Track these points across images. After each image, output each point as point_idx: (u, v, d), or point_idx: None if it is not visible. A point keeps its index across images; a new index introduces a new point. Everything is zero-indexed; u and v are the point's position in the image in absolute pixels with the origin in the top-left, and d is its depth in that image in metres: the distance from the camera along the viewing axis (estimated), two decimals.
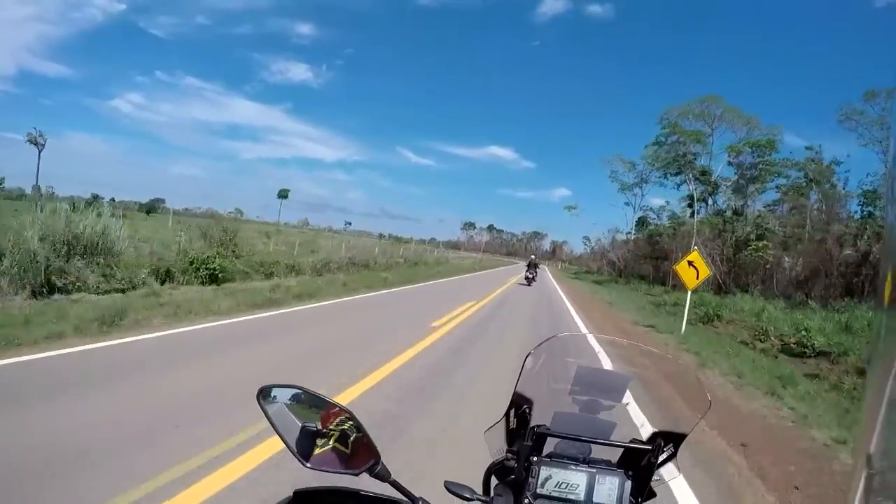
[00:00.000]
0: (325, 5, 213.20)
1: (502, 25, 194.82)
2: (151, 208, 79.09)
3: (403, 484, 0.80)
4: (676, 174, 33.87)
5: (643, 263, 37.62)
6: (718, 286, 24.59)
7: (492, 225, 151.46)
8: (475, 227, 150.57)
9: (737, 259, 25.32)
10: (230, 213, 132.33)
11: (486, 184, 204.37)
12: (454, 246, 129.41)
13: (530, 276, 22.58)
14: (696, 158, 32.22)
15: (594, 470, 0.84)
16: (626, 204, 44.52)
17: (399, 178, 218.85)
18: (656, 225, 37.86)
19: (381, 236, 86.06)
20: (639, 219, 43.92)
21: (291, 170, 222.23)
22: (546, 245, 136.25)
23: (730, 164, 31.16)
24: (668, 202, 42.91)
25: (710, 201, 31.96)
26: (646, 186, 42.09)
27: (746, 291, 21.25)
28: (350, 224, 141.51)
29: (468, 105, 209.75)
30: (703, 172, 31.90)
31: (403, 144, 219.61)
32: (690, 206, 33.11)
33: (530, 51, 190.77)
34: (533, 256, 26.42)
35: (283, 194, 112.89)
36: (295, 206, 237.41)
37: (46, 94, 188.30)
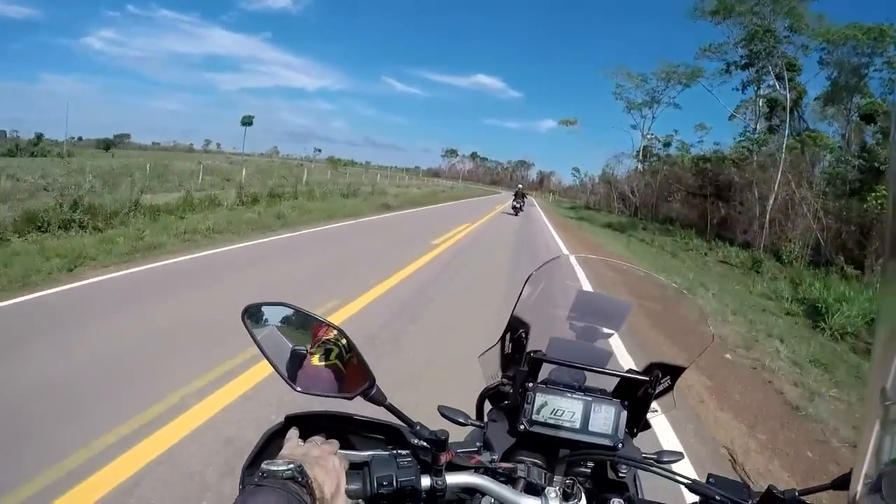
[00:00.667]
0: None
1: None
2: (110, 144, 76.54)
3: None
4: (746, 66, 22.45)
5: (672, 201, 28.42)
6: (814, 255, 15.78)
7: (475, 153, 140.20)
8: (457, 155, 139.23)
9: (845, 212, 16.18)
10: (200, 146, 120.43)
11: (472, 113, 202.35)
12: (434, 174, 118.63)
13: (517, 205, 22.28)
14: (779, 44, 20.28)
15: (590, 398, 0.82)
16: (633, 127, 36.44)
17: (384, 107, 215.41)
18: (715, 151, 27.29)
19: (338, 162, 74.58)
20: (643, 148, 35.04)
21: (272, 100, 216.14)
22: (533, 175, 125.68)
23: (823, 63, 20.64)
24: (676, 131, 36.54)
25: (789, 119, 21.20)
26: (657, 108, 34.00)
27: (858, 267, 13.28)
28: (320, 151, 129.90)
29: (456, 32, 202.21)
30: (791, 66, 20.48)
31: (388, 72, 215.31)
32: (769, 119, 22.94)
33: None
34: (520, 185, 26.12)
35: (246, 121, 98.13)
36: (278, 136, 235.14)
37: (14, 37, 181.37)
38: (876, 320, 0.40)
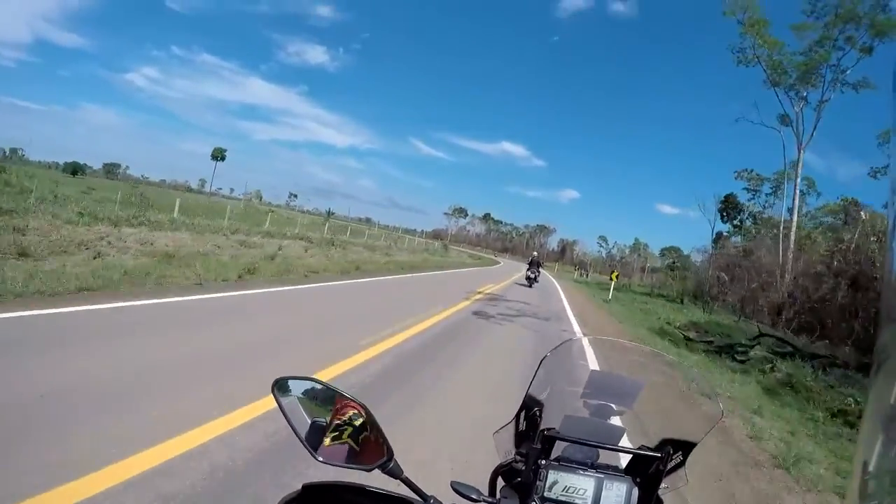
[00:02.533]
0: None
1: (522, 18, 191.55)
2: (76, 169, 74.63)
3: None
4: None
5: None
6: None
7: (488, 214, 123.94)
8: (467, 215, 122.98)
9: None
10: (194, 185, 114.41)
11: (496, 179, 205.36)
12: (436, 236, 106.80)
13: (532, 275, 21.21)
14: None
15: (602, 475, 0.84)
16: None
17: (410, 168, 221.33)
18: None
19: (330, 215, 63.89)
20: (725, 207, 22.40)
21: (302, 153, 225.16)
22: (553, 243, 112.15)
23: None
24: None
25: None
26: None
27: None
28: (296, 197, 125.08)
29: (483, 98, 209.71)
30: None
31: (416, 135, 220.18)
32: None
33: (549, 47, 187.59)
34: (535, 253, 25.21)
35: (217, 155, 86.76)
36: (305, 190, 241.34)
37: (63, 64, 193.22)
38: (866, 402, 0.43)
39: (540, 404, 0.90)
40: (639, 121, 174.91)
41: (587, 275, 60.28)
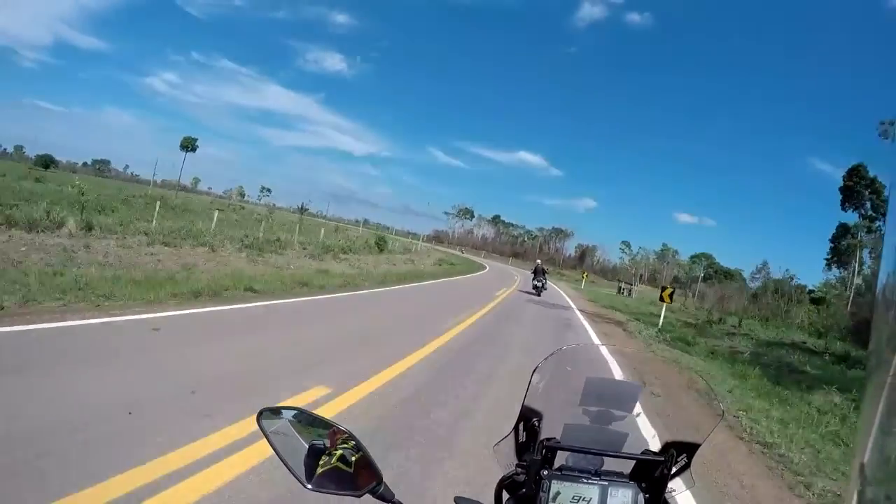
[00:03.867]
0: None
1: (541, 28, 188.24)
2: (48, 163, 71.78)
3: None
4: None
5: None
6: None
7: (498, 216, 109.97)
8: (473, 216, 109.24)
9: None
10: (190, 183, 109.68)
11: (513, 188, 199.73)
12: (437, 238, 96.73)
13: (539, 283, 20.03)
14: None
15: (606, 483, 0.82)
16: None
17: (426, 176, 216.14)
18: None
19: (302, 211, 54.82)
20: None
21: (320, 160, 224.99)
22: (570, 249, 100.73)
23: None
24: None
25: None
26: None
27: None
28: (269, 192, 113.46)
29: (501, 108, 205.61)
30: None
31: (433, 143, 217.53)
32: None
33: (567, 57, 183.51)
34: (538, 261, 23.20)
35: (186, 145, 76.73)
36: (320, 196, 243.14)
37: (82, 66, 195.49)
38: (861, 401, 0.44)
39: (538, 414, 0.89)
40: (656, 131, 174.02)
41: (631, 292, 42.65)
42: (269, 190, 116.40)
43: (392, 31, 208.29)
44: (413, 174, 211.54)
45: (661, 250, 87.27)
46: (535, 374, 0.89)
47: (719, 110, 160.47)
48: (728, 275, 71.70)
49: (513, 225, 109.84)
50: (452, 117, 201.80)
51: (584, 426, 0.88)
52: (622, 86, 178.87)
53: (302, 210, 52.41)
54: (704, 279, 75.84)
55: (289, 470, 0.79)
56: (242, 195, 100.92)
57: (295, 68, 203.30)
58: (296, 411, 0.85)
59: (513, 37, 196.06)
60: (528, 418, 0.88)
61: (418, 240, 56.66)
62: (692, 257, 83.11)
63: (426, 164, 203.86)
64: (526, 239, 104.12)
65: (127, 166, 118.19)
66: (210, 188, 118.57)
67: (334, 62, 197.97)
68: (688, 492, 0.92)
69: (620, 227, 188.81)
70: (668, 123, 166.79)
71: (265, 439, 0.82)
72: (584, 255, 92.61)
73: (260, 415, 0.84)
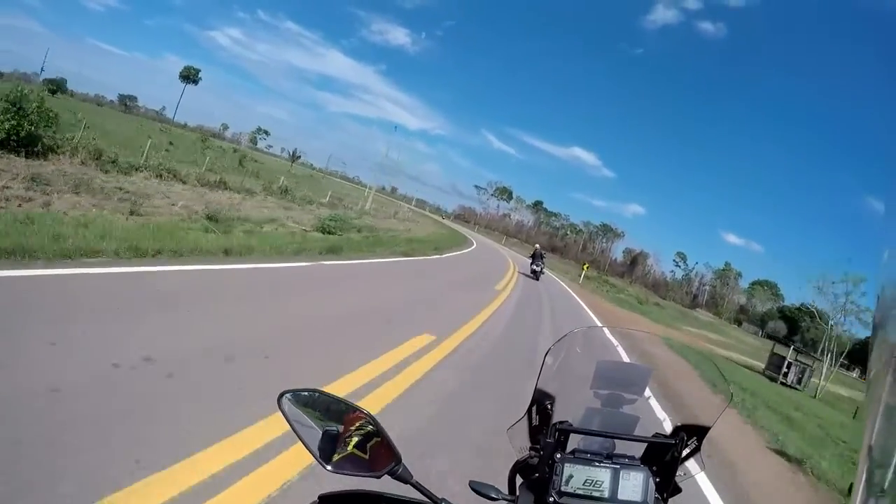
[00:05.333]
0: None
1: (609, 25, 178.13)
2: (57, 88, 66.42)
3: None
4: None
5: None
6: None
7: (539, 202, 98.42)
8: (511, 197, 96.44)
9: None
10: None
11: (562, 183, 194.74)
12: (461, 217, 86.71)
13: (537, 268, 19.37)
14: None
15: (618, 466, 0.84)
16: None
17: (477, 159, 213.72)
18: None
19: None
20: None
21: (374, 130, 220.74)
22: (618, 252, 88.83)
23: None
24: None
25: None
26: None
27: None
28: (267, 134, 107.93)
29: (560, 101, 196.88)
30: None
31: (488, 127, 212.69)
32: None
33: (632, 58, 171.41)
34: (537, 246, 22.31)
35: (187, 74, 69.77)
36: (367, 167, 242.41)
37: (149, 14, 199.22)
38: (867, 385, 0.45)
39: (551, 397, 0.89)
40: (714, 148, 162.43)
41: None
42: (266, 133, 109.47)
43: (460, 13, 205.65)
44: (464, 155, 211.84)
45: (723, 269, 75.66)
46: (547, 357, 0.91)
47: (781, 135, 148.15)
48: (804, 314, 57.14)
49: (555, 215, 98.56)
50: (509, 104, 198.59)
51: (596, 409, 0.89)
52: (684, 95, 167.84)
53: (294, 158, 45.19)
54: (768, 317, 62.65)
55: (310, 452, 0.81)
56: (226, 127, 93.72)
57: (359, 37, 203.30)
58: (316, 394, 0.87)
59: (579, 31, 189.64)
60: (541, 401, 0.90)
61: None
62: (752, 284, 71.34)
63: (478, 147, 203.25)
64: (568, 232, 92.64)
65: (164, 107, 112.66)
66: (269, 147, 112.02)
67: (398, 36, 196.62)
68: (697, 476, 0.93)
69: (666, 238, 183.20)
70: (727, 142, 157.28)
71: (285, 421, 0.83)
72: (635, 260, 79.86)
73: (280, 397, 0.85)
